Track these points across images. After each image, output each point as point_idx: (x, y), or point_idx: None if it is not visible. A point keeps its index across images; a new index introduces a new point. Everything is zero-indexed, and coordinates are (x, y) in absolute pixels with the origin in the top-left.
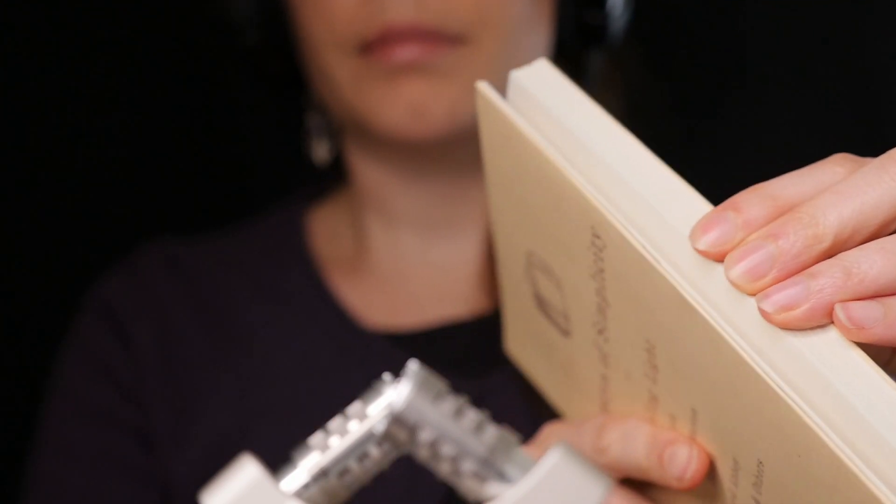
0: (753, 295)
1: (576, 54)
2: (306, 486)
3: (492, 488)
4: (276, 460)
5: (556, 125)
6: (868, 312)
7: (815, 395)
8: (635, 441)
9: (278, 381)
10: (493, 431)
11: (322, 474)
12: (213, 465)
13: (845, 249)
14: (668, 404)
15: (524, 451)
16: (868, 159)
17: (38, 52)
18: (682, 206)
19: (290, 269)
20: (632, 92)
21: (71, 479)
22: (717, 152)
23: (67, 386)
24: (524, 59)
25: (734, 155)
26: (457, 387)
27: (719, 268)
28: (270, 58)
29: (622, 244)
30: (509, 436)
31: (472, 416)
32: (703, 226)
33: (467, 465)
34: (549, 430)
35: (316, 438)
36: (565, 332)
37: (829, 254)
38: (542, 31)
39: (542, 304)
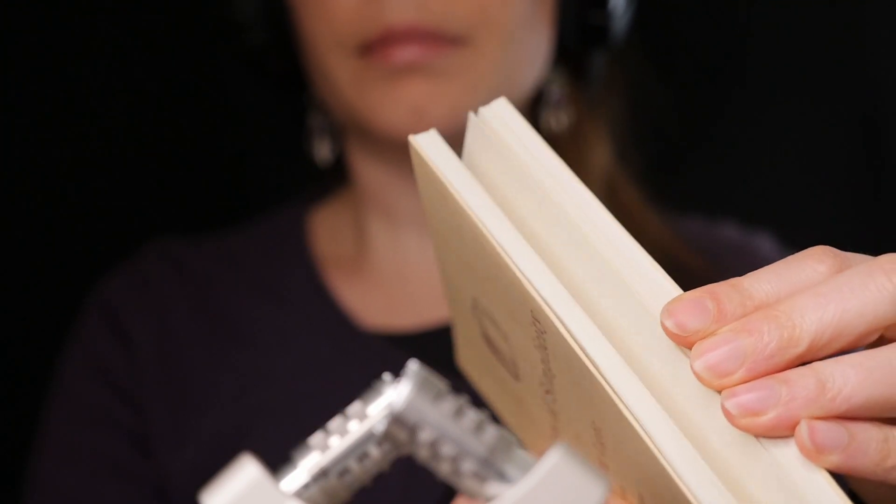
0: (716, 391)
1: (577, 55)
2: (306, 486)
3: (492, 488)
4: (275, 460)
5: (515, 170)
6: (832, 437)
7: None
8: None
9: (277, 381)
10: (493, 431)
11: (322, 474)
12: (213, 464)
13: (819, 357)
14: (617, 476)
15: (524, 451)
16: (850, 256)
17: (39, 52)
18: (645, 277)
19: (290, 269)
20: (633, 92)
21: (67, 481)
22: (719, 152)
23: (67, 387)
24: (526, 61)
25: (736, 155)
26: (457, 387)
27: (681, 356)
28: (272, 58)
29: (560, 341)
30: (509, 436)
31: (472, 416)
32: (676, 306)
33: (467, 465)
34: None
35: (316, 438)
36: (515, 376)
37: (802, 360)
38: (543, 31)
39: (490, 344)
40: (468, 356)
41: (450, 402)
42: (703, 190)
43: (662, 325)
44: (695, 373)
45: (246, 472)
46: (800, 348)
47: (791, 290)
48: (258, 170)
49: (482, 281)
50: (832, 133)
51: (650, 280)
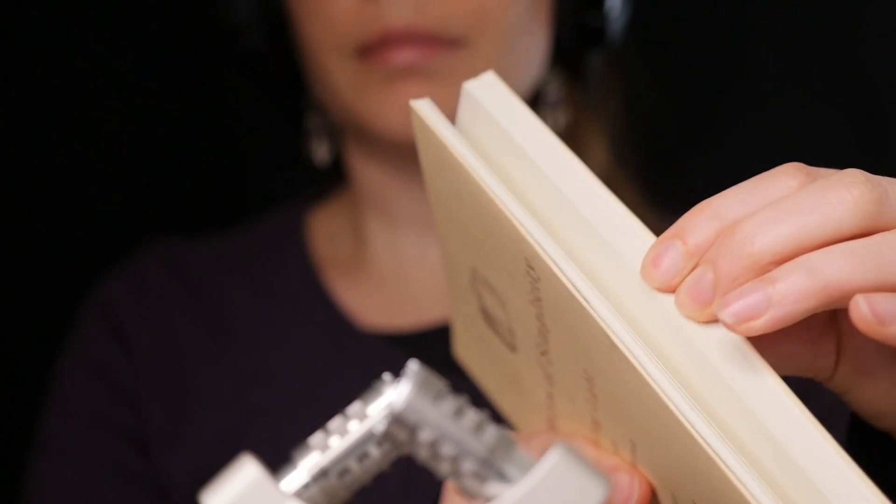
0: (707, 321)
1: (574, 56)
2: (306, 486)
3: (492, 488)
4: (275, 460)
5: (504, 139)
6: (892, 308)
7: (748, 439)
8: None
9: (276, 382)
10: (493, 431)
11: (322, 474)
12: (212, 465)
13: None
14: (609, 431)
15: (524, 451)
16: (821, 171)
17: (39, 52)
18: (622, 230)
19: (289, 269)
20: (630, 92)
21: (66, 482)
22: (715, 153)
23: (65, 387)
24: (523, 62)
25: (732, 155)
26: (457, 387)
27: (660, 298)
28: (270, 59)
29: (553, 280)
30: (509, 436)
31: (472, 416)
32: (652, 260)
33: (467, 465)
34: None
35: (316, 438)
36: (511, 347)
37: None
38: (540, 33)
39: (488, 318)
40: (465, 343)
41: (450, 402)
42: (701, 189)
43: (649, 285)
44: (681, 314)
45: (246, 472)
46: (762, 264)
47: (759, 207)
48: (257, 171)
49: (480, 242)
50: (830, 132)
51: (632, 235)
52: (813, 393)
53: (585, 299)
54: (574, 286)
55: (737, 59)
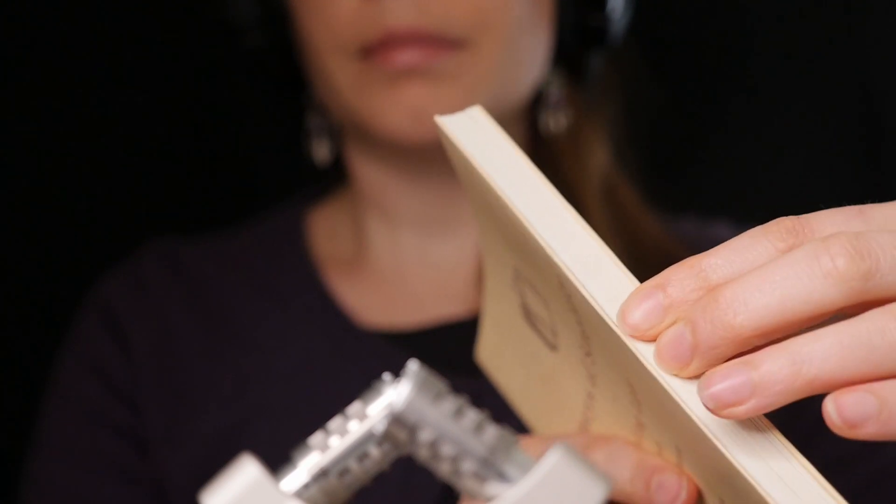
0: (688, 378)
1: (576, 57)
2: (306, 486)
3: (492, 488)
4: (275, 460)
5: (478, 181)
6: (863, 409)
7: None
8: (621, 462)
9: (277, 381)
10: (493, 431)
11: (322, 474)
12: (211, 464)
13: (778, 337)
14: (654, 433)
15: (524, 451)
16: (809, 225)
17: (39, 52)
18: (604, 277)
19: (289, 268)
20: (631, 93)
21: (64, 481)
22: (717, 154)
23: (63, 387)
24: (524, 62)
25: (733, 157)
26: (457, 387)
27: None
28: (272, 59)
29: (583, 303)
30: (509, 436)
31: (472, 416)
32: (629, 305)
33: (467, 465)
34: (524, 445)
35: (316, 438)
36: (552, 346)
37: (753, 345)
38: (542, 33)
39: (529, 315)
40: (491, 343)
41: (450, 402)
42: (702, 190)
43: (623, 328)
44: (660, 367)
45: (246, 471)
46: (743, 338)
47: (745, 269)
48: (257, 170)
49: (520, 249)
50: (831, 134)
51: (609, 277)
52: (801, 410)
53: (611, 319)
54: (602, 309)
55: (738, 60)
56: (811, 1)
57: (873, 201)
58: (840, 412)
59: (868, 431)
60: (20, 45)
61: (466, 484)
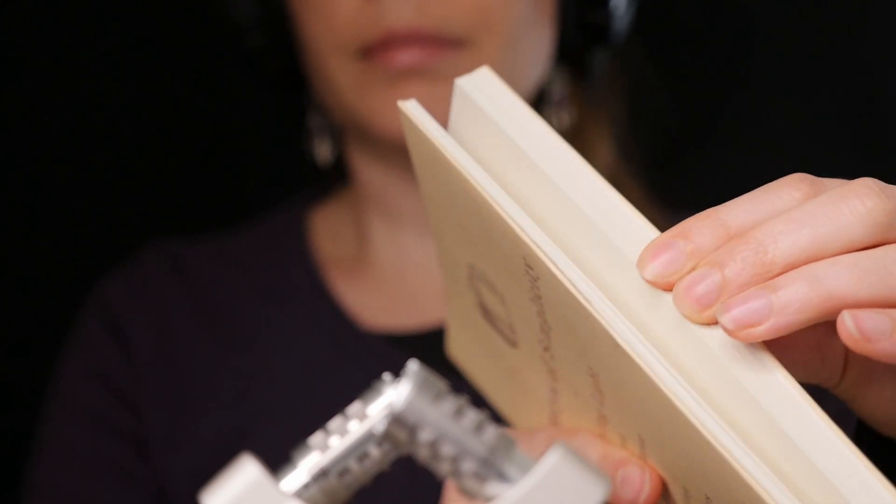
0: (706, 324)
1: (579, 54)
2: (306, 486)
3: (492, 488)
4: (276, 460)
5: (499, 136)
6: (878, 325)
7: (758, 435)
8: (587, 455)
9: (278, 382)
10: (493, 431)
11: (322, 474)
12: (213, 465)
13: None
14: (617, 426)
15: (524, 451)
16: (826, 181)
17: (39, 51)
18: (627, 227)
19: (290, 269)
20: (635, 90)
21: (65, 484)
22: (720, 151)
23: (64, 389)
24: (527, 61)
25: (737, 154)
26: (458, 387)
27: (665, 295)
28: (272, 59)
29: (552, 280)
30: (509, 436)
31: (472, 416)
32: (650, 253)
33: (467, 465)
34: None
35: (316, 438)
36: (512, 343)
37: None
38: (544, 32)
39: (486, 313)
40: (459, 341)
41: (450, 402)
42: (706, 187)
43: (642, 277)
44: (680, 312)
45: (246, 472)
46: (772, 275)
47: (767, 217)
48: (258, 170)
49: (477, 241)
50: (833, 132)
51: (636, 231)
52: (819, 400)
53: (586, 298)
54: (574, 285)
55: (741, 57)
56: (812, 2)
57: None
58: (857, 324)
59: (882, 347)
60: (20, 45)
61: (466, 484)
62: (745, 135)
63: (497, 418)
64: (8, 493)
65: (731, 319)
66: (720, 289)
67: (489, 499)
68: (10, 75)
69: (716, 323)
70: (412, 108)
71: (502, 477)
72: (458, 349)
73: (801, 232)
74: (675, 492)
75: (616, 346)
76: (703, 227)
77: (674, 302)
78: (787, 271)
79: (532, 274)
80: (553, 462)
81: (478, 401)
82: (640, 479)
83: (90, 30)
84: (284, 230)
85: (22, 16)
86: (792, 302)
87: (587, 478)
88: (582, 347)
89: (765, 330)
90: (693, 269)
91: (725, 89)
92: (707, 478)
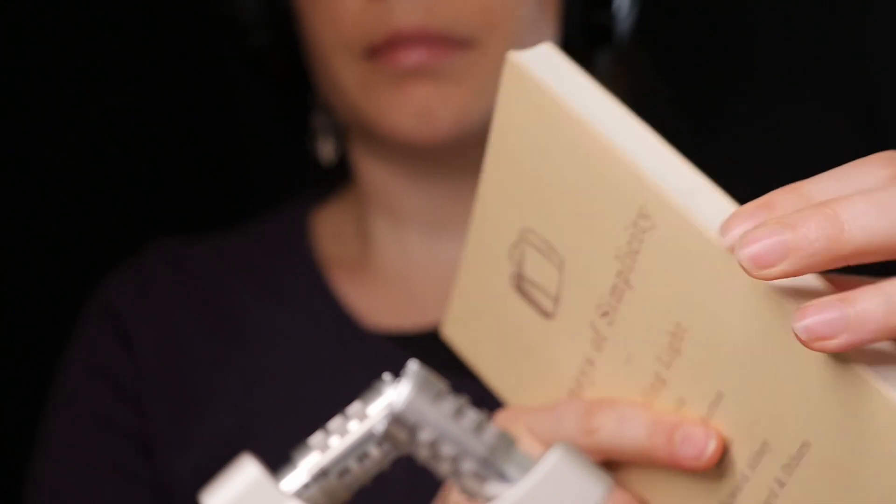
0: (757, 278)
1: (582, 55)
2: (306, 486)
3: (492, 488)
4: (280, 460)
5: (566, 111)
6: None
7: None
8: (634, 422)
9: (281, 382)
10: (493, 431)
11: (322, 474)
12: (217, 465)
13: (864, 262)
14: (679, 388)
15: (524, 451)
16: None
17: (40, 51)
18: (703, 198)
19: (293, 269)
20: (638, 91)
21: (68, 483)
22: (724, 151)
23: (68, 389)
24: None
25: (740, 154)
26: (457, 387)
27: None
28: (276, 59)
29: (678, 225)
30: (509, 436)
31: (472, 416)
32: (733, 222)
33: (467, 465)
34: (509, 416)
35: (316, 438)
36: (546, 314)
37: (848, 262)
38: (548, 32)
39: (522, 283)
40: (461, 320)
41: (450, 402)
42: None
43: (723, 244)
44: (739, 262)
45: (246, 472)
46: (845, 251)
47: (851, 193)
48: (261, 170)
49: (556, 201)
50: (837, 132)
51: (710, 200)
52: None
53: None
54: (709, 231)
55: (744, 57)
56: (814, 2)
57: None
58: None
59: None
60: (20, 44)
61: (466, 484)
62: (748, 135)
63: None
64: (11, 492)
65: (803, 328)
66: (785, 250)
67: (489, 499)
68: (10, 75)
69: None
70: (524, 57)
71: (502, 477)
72: (458, 328)
73: (883, 217)
74: (742, 450)
75: (754, 288)
76: (787, 199)
77: (736, 251)
78: (857, 254)
79: (643, 224)
80: (553, 462)
81: (479, 401)
82: (704, 436)
83: (91, 29)
84: (287, 230)
85: (22, 16)
86: (868, 320)
87: (587, 478)
88: (683, 299)
89: (837, 344)
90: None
91: (728, 89)
92: (824, 418)
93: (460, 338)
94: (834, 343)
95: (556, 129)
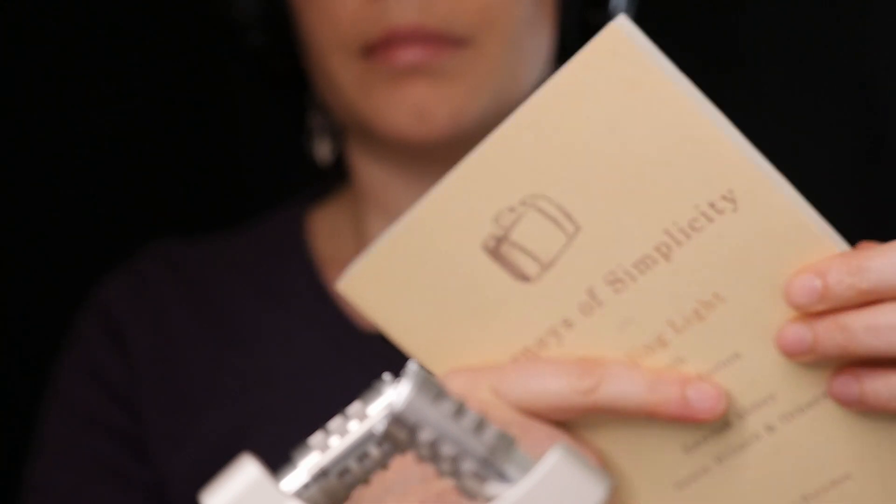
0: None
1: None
2: (306, 486)
3: (492, 488)
4: (276, 461)
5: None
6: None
7: None
8: (632, 378)
9: (278, 382)
10: (493, 431)
11: (322, 474)
12: (213, 466)
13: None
14: (682, 349)
15: (524, 451)
16: None
17: (39, 51)
18: (785, 188)
19: (290, 269)
20: None
21: (63, 486)
22: None
23: (63, 392)
24: (528, 61)
25: None
26: None
27: None
28: (273, 58)
29: (768, 204)
30: (509, 436)
31: (472, 416)
32: (790, 287)
33: (467, 465)
34: (467, 378)
35: (316, 438)
36: (524, 278)
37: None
38: (545, 32)
39: (502, 246)
40: (373, 274)
41: (450, 402)
42: None
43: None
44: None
45: (246, 472)
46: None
47: None
48: (258, 170)
49: (604, 171)
50: (834, 133)
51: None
52: None
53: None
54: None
55: (741, 58)
56: (815, 1)
57: (874, 199)
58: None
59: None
60: (20, 45)
61: (466, 484)
62: (746, 135)
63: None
64: (7, 494)
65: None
66: (814, 348)
67: (489, 499)
68: (10, 75)
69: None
70: (630, 27)
71: (502, 477)
72: (364, 284)
73: None
74: (741, 402)
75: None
76: (840, 272)
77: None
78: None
79: (720, 206)
80: (553, 462)
81: None
82: (715, 391)
83: (90, 29)
84: (284, 230)
85: (22, 16)
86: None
87: (587, 478)
88: (736, 275)
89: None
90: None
91: (725, 90)
92: None
93: (365, 293)
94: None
95: (649, 102)
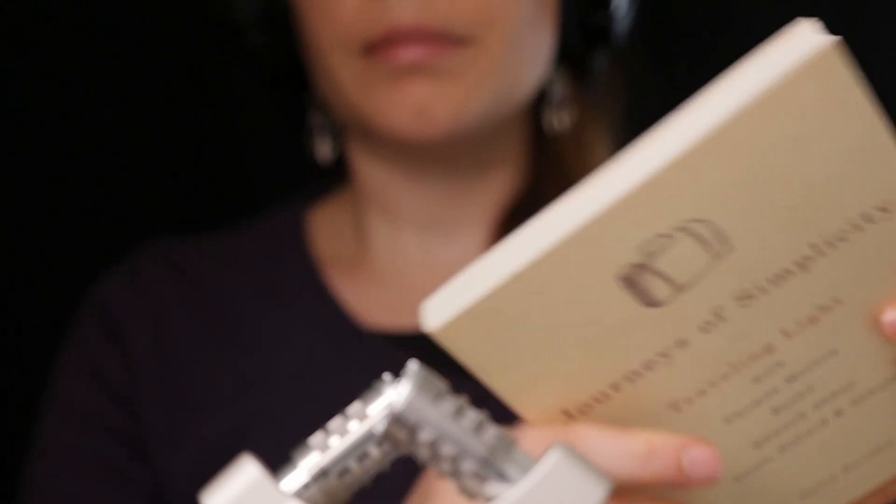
0: None
1: (580, 55)
2: (306, 486)
3: (492, 488)
4: (276, 460)
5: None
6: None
7: None
8: (623, 456)
9: (277, 382)
10: (493, 431)
11: (322, 474)
12: (213, 466)
13: None
14: (787, 353)
15: (524, 451)
16: None
17: (39, 51)
18: None
19: (290, 268)
20: (636, 93)
21: (63, 485)
22: None
23: (62, 391)
24: (529, 61)
25: None
26: (457, 387)
27: None
28: (273, 57)
29: None
30: (509, 436)
31: (472, 416)
32: None
33: (467, 465)
34: (573, 433)
35: (316, 438)
36: (652, 303)
37: None
38: (545, 32)
39: (640, 274)
40: (476, 319)
41: (450, 402)
42: None
43: None
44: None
45: (246, 472)
46: None
47: None
48: (258, 169)
49: (779, 189)
50: None
51: None
52: None
53: None
54: None
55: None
56: (814, 2)
57: None
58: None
59: None
60: (20, 44)
61: (466, 484)
62: None
63: (501, 420)
64: (7, 494)
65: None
66: None
67: (489, 499)
68: (10, 75)
69: None
70: (834, 51)
71: (502, 477)
72: (466, 328)
73: None
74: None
75: None
76: None
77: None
78: None
79: (874, 216)
80: (553, 462)
81: (478, 401)
82: (711, 454)
83: (90, 29)
84: (284, 229)
85: (22, 16)
86: None
87: (587, 478)
88: (860, 280)
89: None
90: None
91: None
92: None
93: (465, 340)
94: None
95: (846, 123)
